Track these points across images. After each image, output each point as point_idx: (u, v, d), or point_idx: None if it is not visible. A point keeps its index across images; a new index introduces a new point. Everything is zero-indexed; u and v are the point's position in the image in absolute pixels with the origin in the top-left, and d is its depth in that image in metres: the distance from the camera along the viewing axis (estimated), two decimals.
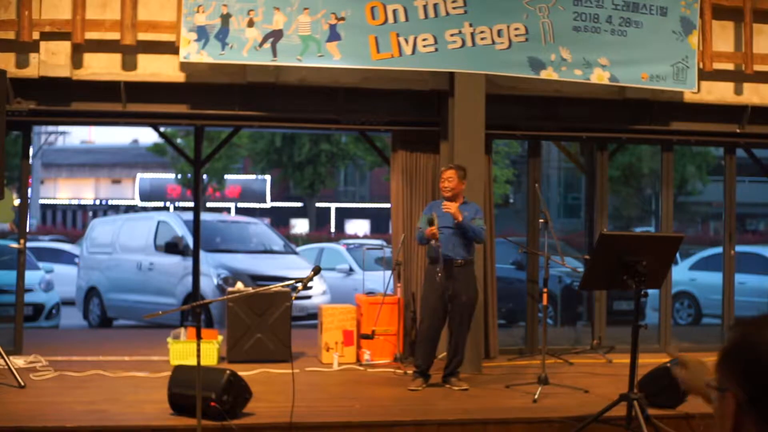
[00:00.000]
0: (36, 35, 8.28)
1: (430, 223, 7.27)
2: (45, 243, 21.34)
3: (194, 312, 5.18)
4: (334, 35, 8.19)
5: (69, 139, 40.45)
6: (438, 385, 7.50)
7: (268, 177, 36.49)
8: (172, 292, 12.66)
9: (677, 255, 11.44)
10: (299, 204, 36.68)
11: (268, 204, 37.54)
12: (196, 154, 10.42)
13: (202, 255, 11.18)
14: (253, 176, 36.87)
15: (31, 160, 10.04)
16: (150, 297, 12.85)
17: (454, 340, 7.50)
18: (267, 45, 8.12)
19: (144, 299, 12.97)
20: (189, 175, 27.61)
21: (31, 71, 8.40)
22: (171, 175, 33.68)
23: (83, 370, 7.87)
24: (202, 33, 8.05)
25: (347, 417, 6.33)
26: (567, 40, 8.58)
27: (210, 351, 8.16)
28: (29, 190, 9.77)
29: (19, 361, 7.90)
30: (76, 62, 8.46)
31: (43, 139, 33.80)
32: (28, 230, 9.89)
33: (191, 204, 11.37)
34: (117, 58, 8.55)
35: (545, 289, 7.70)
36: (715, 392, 1.79)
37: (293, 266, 13.07)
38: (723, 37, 9.39)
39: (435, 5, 8.28)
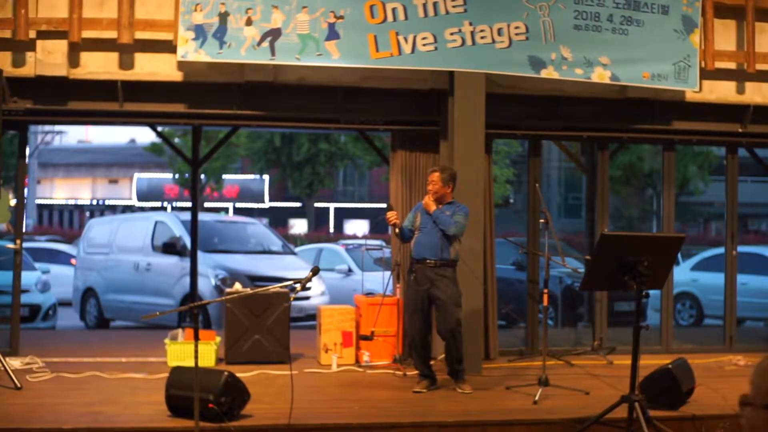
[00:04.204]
0: (32, 34, 8.23)
1: (389, 208, 7.34)
2: (41, 243, 21.23)
3: (192, 313, 5.13)
4: (332, 34, 8.14)
5: (66, 138, 40.41)
6: (442, 385, 7.44)
7: (266, 177, 36.47)
8: (169, 293, 12.61)
9: (679, 255, 11.40)
10: (298, 204, 36.65)
11: (267, 204, 37.52)
12: (194, 153, 10.38)
13: (200, 255, 11.13)
14: (251, 176, 36.86)
15: (27, 160, 10.00)
16: (147, 298, 12.80)
17: (441, 334, 7.45)
18: (265, 44, 8.07)
19: (141, 300, 12.92)
20: (187, 174, 27.53)
21: (27, 70, 8.35)
22: (168, 175, 33.65)
23: (80, 371, 7.82)
24: (199, 32, 7.99)
25: (346, 419, 6.29)
26: (568, 38, 8.54)
27: (208, 352, 8.11)
28: (26, 190, 9.72)
29: (15, 363, 7.85)
30: (73, 61, 8.41)
31: (40, 138, 33.76)
32: (24, 230, 9.83)
33: (189, 204, 11.32)
34: (114, 57, 8.50)
35: (546, 290, 7.65)
36: (759, 410, 1.63)
37: (292, 267, 13.02)
38: (725, 35, 9.35)
39: (435, 4, 8.23)
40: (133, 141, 41.79)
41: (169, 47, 8.28)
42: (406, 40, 8.21)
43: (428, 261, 7.33)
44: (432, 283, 7.31)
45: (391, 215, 7.45)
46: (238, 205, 36.49)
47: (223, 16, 8.02)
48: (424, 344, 7.49)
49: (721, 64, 9.26)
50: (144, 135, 37.51)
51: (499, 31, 8.36)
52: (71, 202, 42.00)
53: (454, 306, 7.36)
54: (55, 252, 19.27)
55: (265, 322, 8.50)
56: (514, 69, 8.50)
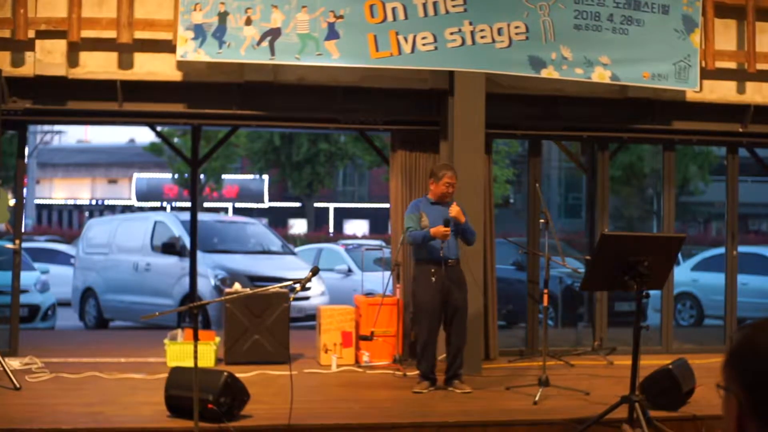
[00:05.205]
0: (32, 33, 8.21)
1: (446, 223, 7.15)
2: (41, 243, 21.22)
3: (191, 313, 5.12)
4: (332, 33, 8.12)
5: (65, 138, 40.41)
6: (440, 387, 7.41)
7: (266, 177, 36.45)
8: (169, 293, 12.59)
9: (679, 255, 11.39)
10: (297, 204, 36.64)
11: (266, 204, 37.50)
12: (194, 153, 10.37)
13: (200, 255, 11.11)
14: (250, 176, 36.85)
15: (26, 160, 9.99)
16: (147, 298, 12.78)
17: (454, 342, 7.37)
18: (265, 43, 8.06)
19: (141, 300, 12.91)
20: (186, 174, 27.51)
21: (26, 70, 8.34)
22: (168, 175, 33.63)
23: (79, 371, 7.80)
24: (199, 31, 7.98)
25: (346, 419, 6.28)
26: (568, 38, 8.52)
27: (207, 352, 8.09)
28: (25, 190, 9.71)
29: (14, 363, 7.83)
30: (72, 61, 8.39)
31: (39, 138, 33.74)
32: (23, 230, 9.82)
33: (188, 204, 11.32)
34: (113, 56, 8.48)
35: (546, 290, 7.64)
36: (721, 392, 1.79)
37: (291, 267, 13.01)
38: (725, 35, 9.33)
39: (434, 3, 8.22)
40: (132, 141, 41.77)
41: (168, 47, 8.26)
42: (406, 39, 8.20)
43: (450, 261, 7.30)
44: (456, 286, 7.29)
45: (447, 232, 7.22)
46: (238, 205, 36.47)
47: (223, 16, 8.00)
48: (435, 347, 7.46)
49: (721, 64, 9.25)
50: (143, 135, 37.43)
51: (499, 31, 8.35)
52: (70, 202, 41.98)
53: (467, 310, 7.41)
54: (55, 252, 19.25)
55: (265, 323, 8.49)
56: (514, 69, 8.49)
